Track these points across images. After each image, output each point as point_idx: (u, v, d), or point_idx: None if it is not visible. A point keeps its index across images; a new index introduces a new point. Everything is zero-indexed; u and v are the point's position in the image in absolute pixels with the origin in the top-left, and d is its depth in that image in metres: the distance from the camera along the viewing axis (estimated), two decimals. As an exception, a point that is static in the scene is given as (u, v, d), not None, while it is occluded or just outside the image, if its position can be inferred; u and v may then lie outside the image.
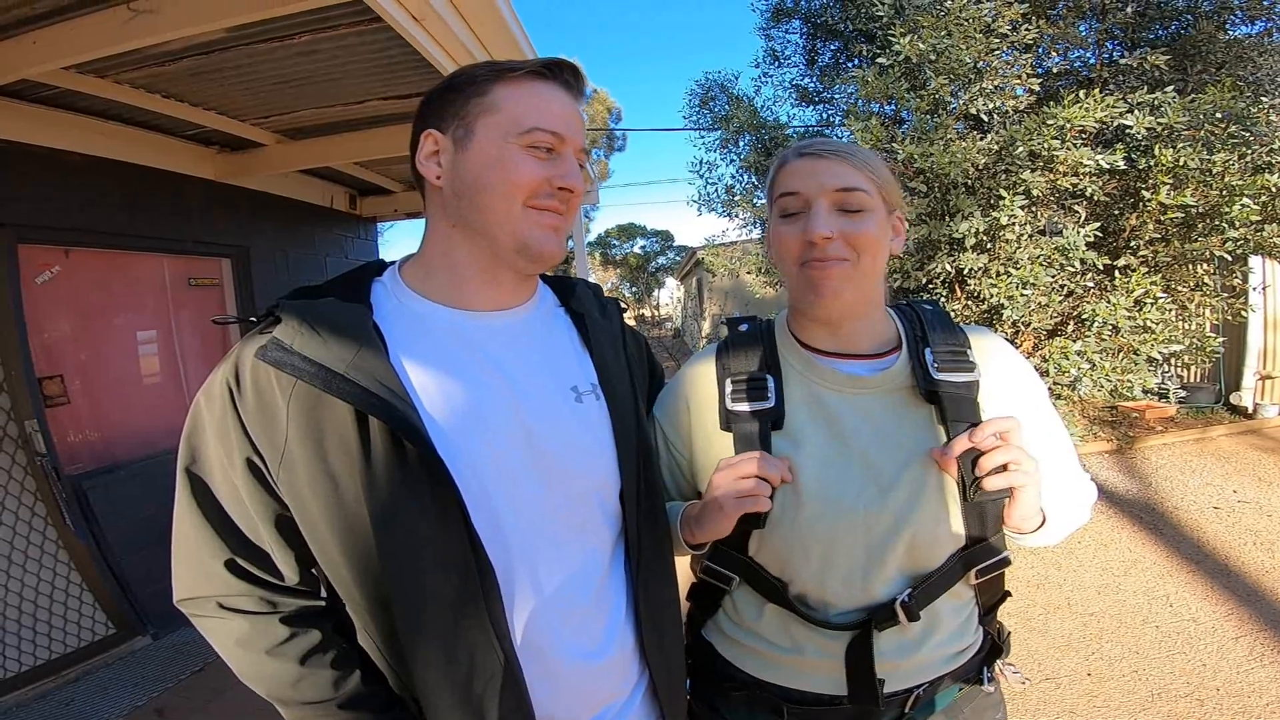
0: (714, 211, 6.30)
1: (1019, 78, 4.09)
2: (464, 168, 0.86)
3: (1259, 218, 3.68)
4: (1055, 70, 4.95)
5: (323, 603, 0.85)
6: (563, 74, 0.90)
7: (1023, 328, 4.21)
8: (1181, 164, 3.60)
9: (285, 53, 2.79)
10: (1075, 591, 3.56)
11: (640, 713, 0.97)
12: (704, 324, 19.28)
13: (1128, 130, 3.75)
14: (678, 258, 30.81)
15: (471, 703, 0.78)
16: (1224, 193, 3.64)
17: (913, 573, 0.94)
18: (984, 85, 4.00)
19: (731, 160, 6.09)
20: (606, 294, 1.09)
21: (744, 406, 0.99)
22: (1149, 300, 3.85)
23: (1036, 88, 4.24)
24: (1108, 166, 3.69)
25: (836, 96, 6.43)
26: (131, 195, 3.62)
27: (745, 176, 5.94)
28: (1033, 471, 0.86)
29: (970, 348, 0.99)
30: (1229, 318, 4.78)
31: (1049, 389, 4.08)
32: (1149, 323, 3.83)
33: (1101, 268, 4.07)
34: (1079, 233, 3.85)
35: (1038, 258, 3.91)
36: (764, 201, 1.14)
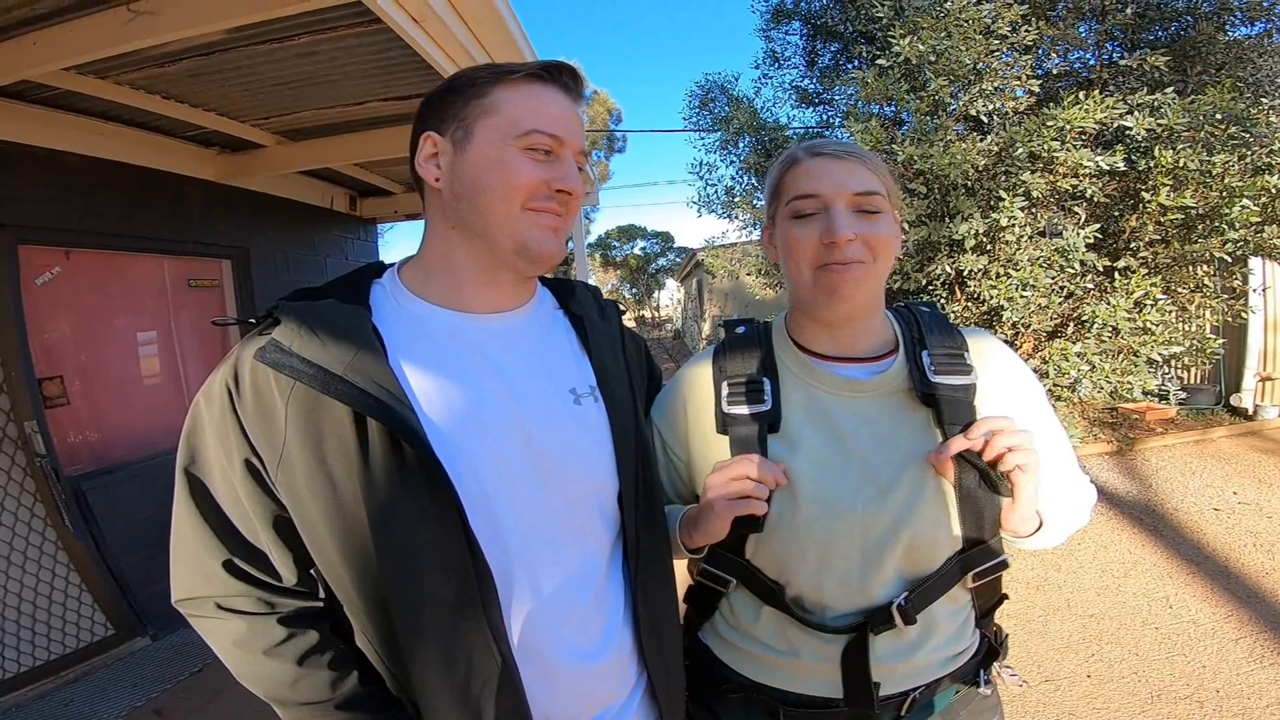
0: (714, 213, 6.30)
1: (1019, 79, 4.09)
2: (463, 170, 0.86)
3: (1259, 219, 3.68)
4: (1055, 71, 4.95)
5: (320, 603, 0.85)
6: (561, 76, 0.90)
7: (1022, 329, 4.21)
8: (1181, 165, 3.60)
9: (285, 54, 2.79)
10: (1075, 593, 3.56)
11: (638, 714, 0.97)
12: (704, 325, 19.28)
13: (1127, 131, 3.75)
14: (678, 259, 30.83)
15: (469, 704, 0.78)
16: (1224, 194, 3.64)
17: (910, 575, 0.94)
18: (984, 86, 4.00)
19: (731, 162, 6.09)
20: (606, 296, 1.10)
21: (740, 409, 0.99)
22: (1149, 302, 3.85)
23: (1036, 89, 4.24)
24: (1107, 168, 3.69)
25: (836, 98, 6.42)
26: (132, 196, 3.62)
27: (745, 178, 5.94)
28: (1035, 451, 0.85)
29: (967, 350, 0.99)
30: (1229, 319, 4.78)
31: (1049, 391, 4.08)
32: (1149, 324, 3.83)
33: (1101, 269, 4.06)
34: (1079, 234, 3.85)
35: (1037, 259, 3.91)
36: (764, 203, 1.12)
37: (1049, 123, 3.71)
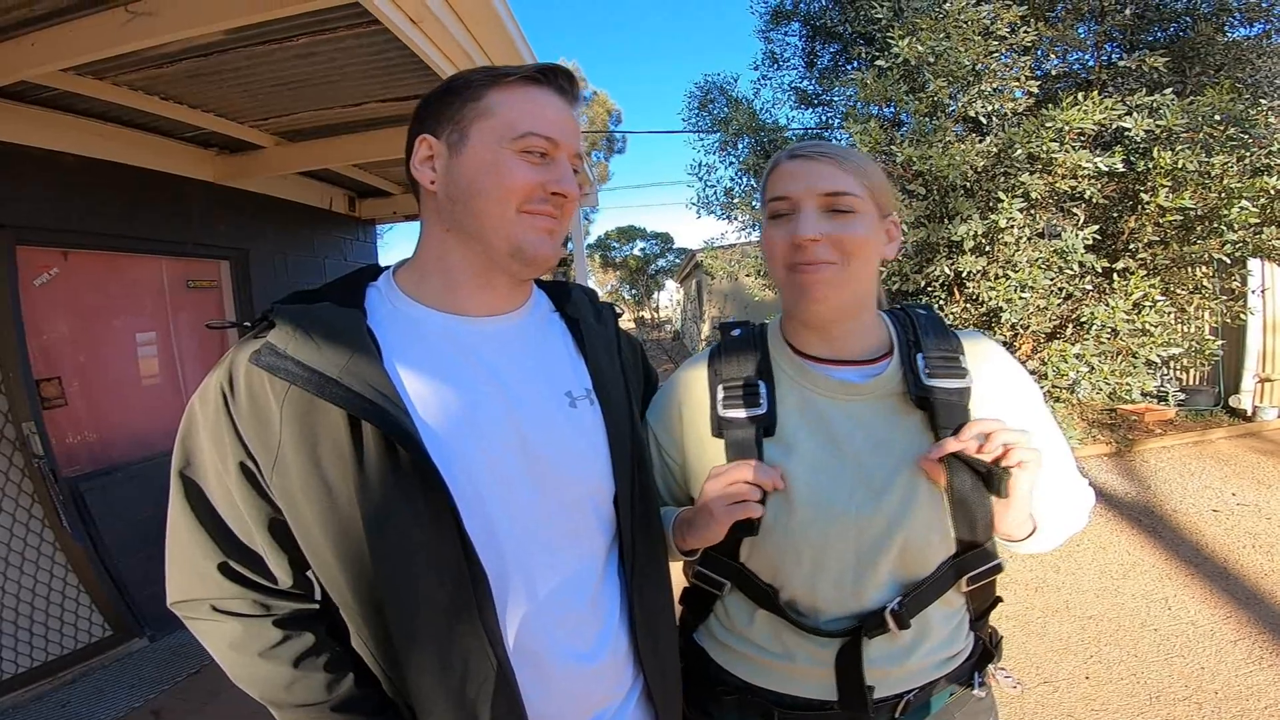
0: (713, 214, 6.30)
1: (1017, 80, 4.09)
2: (458, 173, 0.86)
3: (1257, 220, 3.68)
4: (1054, 72, 4.95)
5: (316, 606, 0.85)
6: (557, 79, 0.90)
7: (1021, 330, 4.21)
8: (1180, 166, 3.60)
9: (284, 55, 2.80)
10: (1074, 594, 3.56)
11: (634, 717, 0.97)
12: (703, 327, 19.27)
13: (1126, 133, 3.75)
14: (677, 260, 30.81)
15: (465, 707, 0.78)
16: (1222, 195, 3.65)
17: (904, 579, 0.94)
18: (983, 88, 4.01)
19: (730, 163, 6.10)
20: (605, 297, 1.09)
21: (735, 413, 0.99)
22: (1148, 303, 3.85)
23: (1035, 90, 4.25)
24: (1106, 169, 3.69)
25: (835, 99, 6.43)
26: (130, 197, 3.62)
27: (744, 179, 5.94)
28: (1035, 448, 0.85)
29: (963, 353, 0.99)
30: (1228, 320, 4.78)
31: (1048, 392, 4.08)
32: (1148, 325, 3.83)
33: (1100, 270, 4.07)
34: (1077, 235, 3.85)
35: (1036, 260, 3.91)
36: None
37: (1048, 124, 3.71)
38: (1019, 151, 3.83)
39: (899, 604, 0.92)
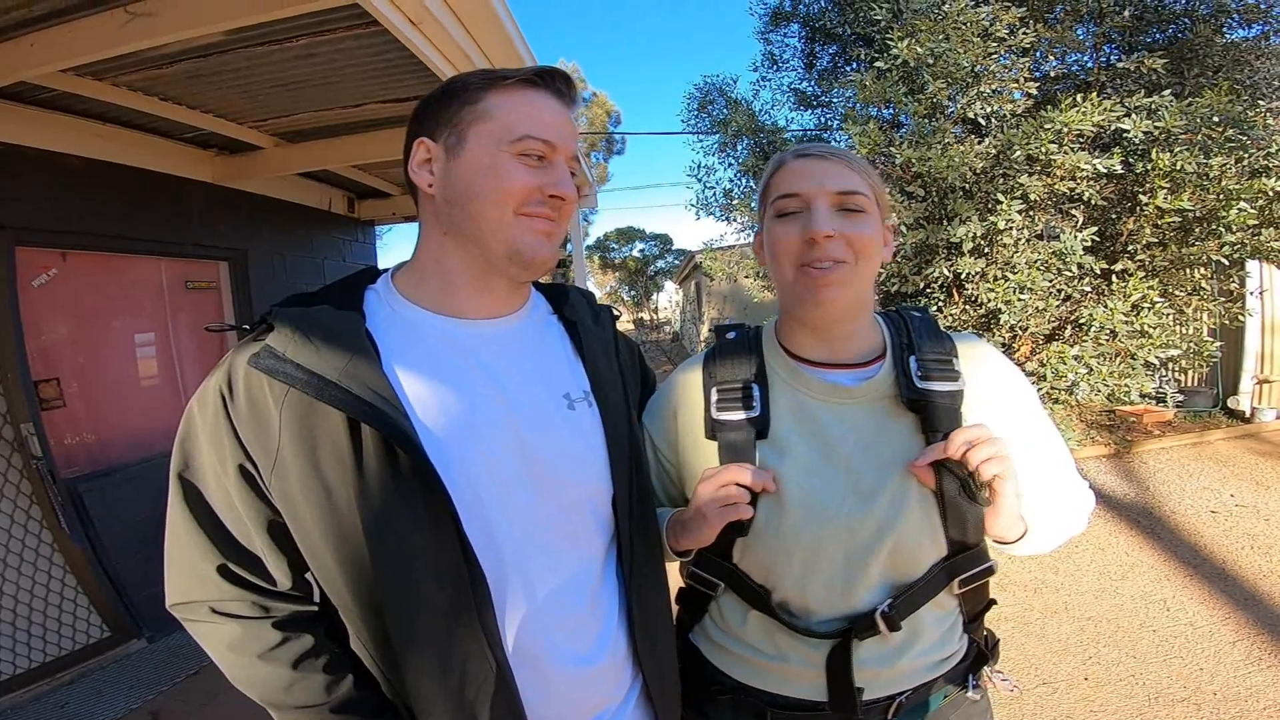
0: (712, 215, 6.31)
1: (1016, 81, 4.10)
2: (456, 175, 0.86)
3: (1256, 222, 3.68)
4: (1053, 74, 4.96)
5: (315, 608, 0.85)
6: (554, 82, 0.90)
7: (1020, 332, 4.22)
8: (1179, 168, 3.61)
9: (283, 56, 2.80)
10: (1073, 595, 3.56)
11: (634, 718, 0.97)
12: (702, 328, 19.27)
13: (1125, 134, 3.75)
14: (676, 261, 30.79)
15: (464, 709, 0.79)
16: (1221, 197, 3.65)
17: (895, 581, 0.94)
18: (981, 89, 4.01)
19: (730, 164, 6.10)
20: (605, 298, 1.09)
21: (729, 415, 0.99)
22: (1146, 305, 3.85)
23: (1034, 91, 4.25)
24: (1105, 170, 3.69)
25: (834, 100, 6.43)
26: (129, 198, 3.62)
27: (743, 180, 5.94)
28: (1010, 461, 0.86)
29: (957, 356, 0.99)
30: (1226, 322, 4.79)
31: (1046, 394, 4.08)
32: (1146, 327, 3.83)
33: (1099, 272, 4.07)
34: (1076, 237, 3.85)
35: (1035, 262, 3.92)
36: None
37: (1046, 125, 3.72)
38: (1018, 153, 3.83)
39: (889, 606, 0.92)
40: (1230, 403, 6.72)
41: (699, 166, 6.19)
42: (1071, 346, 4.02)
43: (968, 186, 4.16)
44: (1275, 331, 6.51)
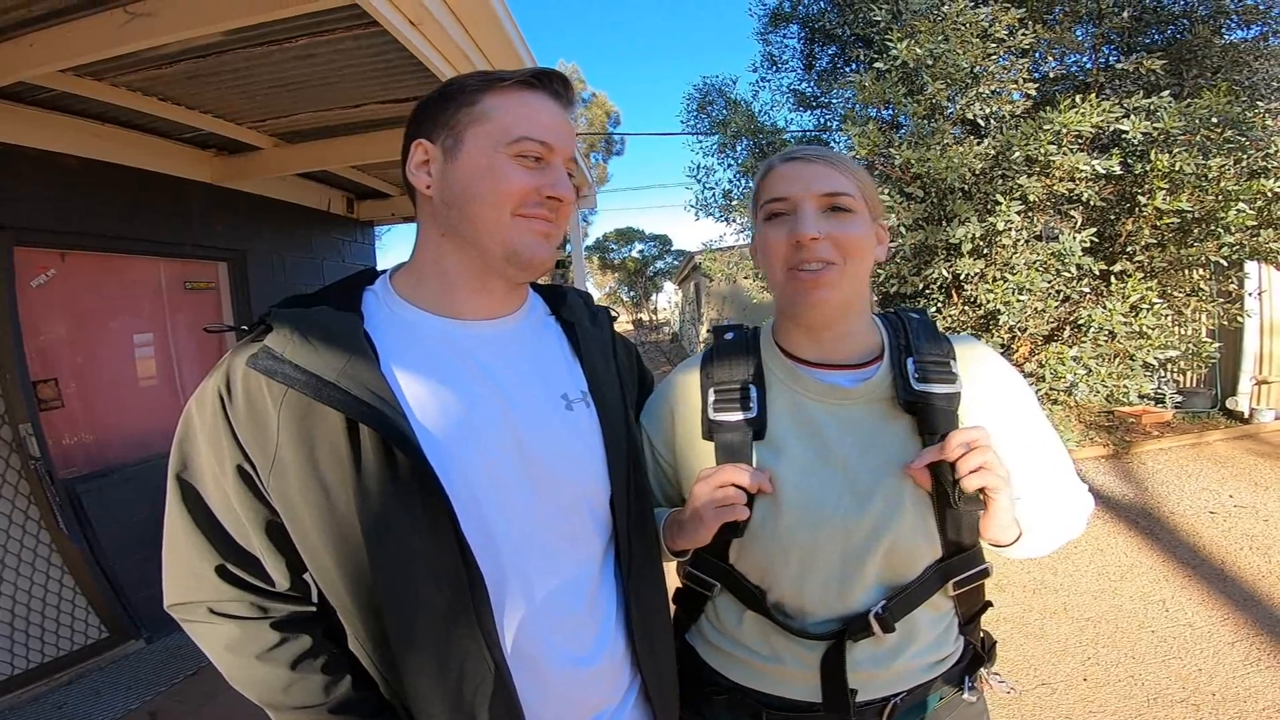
0: (711, 216, 6.32)
1: (1015, 83, 4.11)
2: (453, 177, 0.86)
3: (1255, 223, 3.69)
4: (1052, 75, 4.97)
5: (313, 608, 0.85)
6: (552, 84, 0.90)
7: (1019, 333, 4.22)
8: (1177, 169, 3.61)
9: (282, 56, 2.79)
10: (1071, 596, 3.56)
11: (632, 718, 0.97)
12: (702, 329, 19.28)
13: (1124, 135, 3.76)
14: (675, 262, 30.81)
15: (462, 710, 0.79)
16: (1220, 198, 3.66)
17: (890, 582, 0.95)
18: (981, 90, 4.02)
19: (729, 165, 6.11)
20: (604, 299, 1.09)
21: (726, 416, 1.00)
22: (1145, 305, 3.86)
23: (1033, 92, 4.26)
24: (1104, 171, 3.70)
25: (834, 101, 6.45)
26: (128, 198, 3.62)
27: (743, 181, 5.96)
28: (1004, 474, 0.86)
29: (954, 358, 0.99)
30: (1225, 323, 4.79)
31: (1045, 395, 4.09)
32: (1145, 328, 3.84)
33: (1097, 273, 4.08)
34: (1075, 238, 3.86)
35: (1034, 263, 3.92)
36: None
37: (1045, 126, 3.72)
38: (1017, 154, 3.84)
39: (883, 607, 0.92)
40: (1229, 403, 6.72)
41: (698, 167, 6.21)
42: (1070, 347, 4.02)
43: (967, 187, 4.17)
44: (1274, 332, 6.51)
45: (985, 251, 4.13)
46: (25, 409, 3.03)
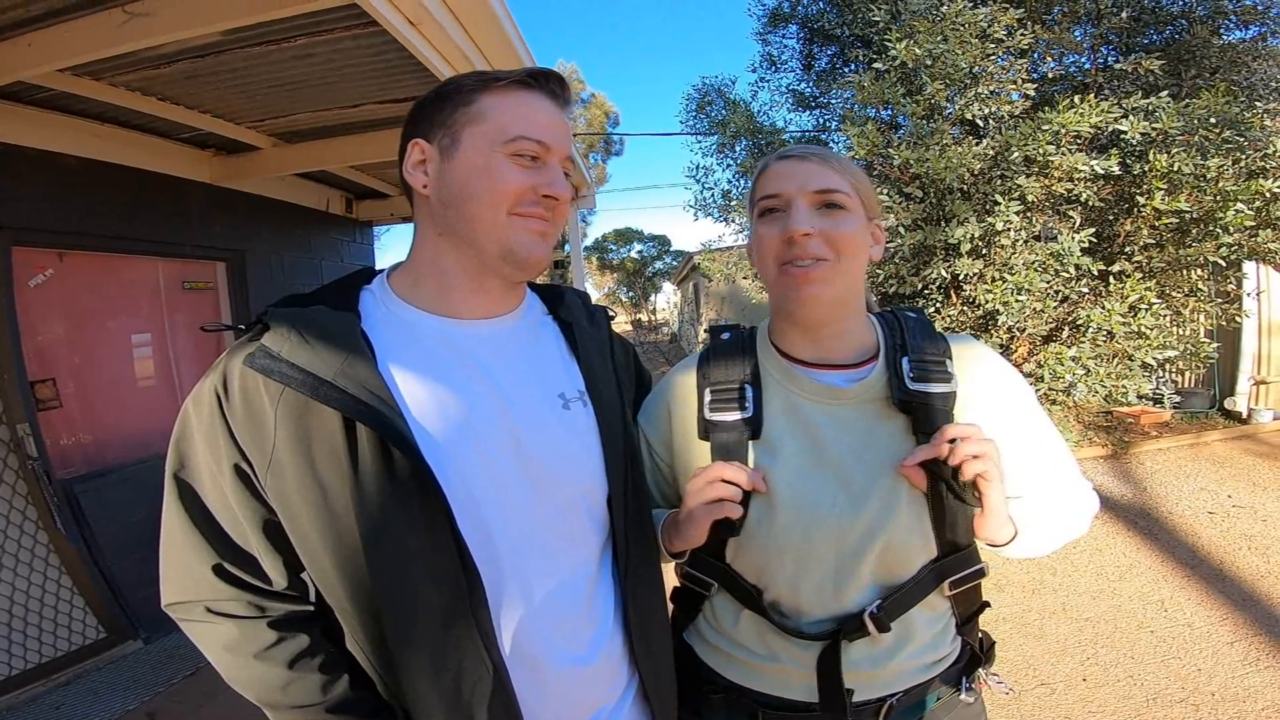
0: (710, 216, 6.32)
1: (1014, 83, 4.11)
2: (450, 177, 0.87)
3: (1253, 223, 3.69)
4: (1050, 75, 4.97)
5: (311, 607, 0.85)
6: (548, 83, 0.90)
7: (1018, 333, 4.22)
8: (1176, 169, 3.62)
9: (281, 56, 2.79)
10: (1070, 596, 3.56)
11: (630, 718, 0.97)
12: (700, 329, 19.28)
13: (1122, 135, 3.76)
14: (675, 262, 30.79)
15: (460, 710, 0.78)
16: (1218, 198, 3.66)
17: (885, 582, 0.94)
18: (979, 90, 4.02)
19: (728, 165, 6.11)
20: (603, 299, 1.09)
21: (722, 416, 1.00)
22: (1143, 306, 3.86)
23: (1032, 93, 4.26)
24: (1102, 172, 3.70)
25: (833, 101, 6.45)
26: (127, 198, 3.62)
27: (742, 181, 5.96)
28: (996, 461, 0.86)
29: (951, 358, 0.99)
30: (1223, 323, 4.80)
31: (1044, 395, 4.09)
32: (1143, 328, 3.84)
33: (1096, 273, 4.08)
34: (1074, 238, 3.86)
35: (1033, 263, 3.93)
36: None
37: (1044, 126, 3.73)
38: (1016, 154, 3.84)
39: (877, 607, 0.92)
40: (1227, 404, 6.73)
41: (697, 167, 6.21)
42: (1069, 348, 4.03)
43: (965, 188, 4.17)
44: (1272, 333, 6.52)
45: (984, 252, 4.14)
46: (23, 409, 3.03)
